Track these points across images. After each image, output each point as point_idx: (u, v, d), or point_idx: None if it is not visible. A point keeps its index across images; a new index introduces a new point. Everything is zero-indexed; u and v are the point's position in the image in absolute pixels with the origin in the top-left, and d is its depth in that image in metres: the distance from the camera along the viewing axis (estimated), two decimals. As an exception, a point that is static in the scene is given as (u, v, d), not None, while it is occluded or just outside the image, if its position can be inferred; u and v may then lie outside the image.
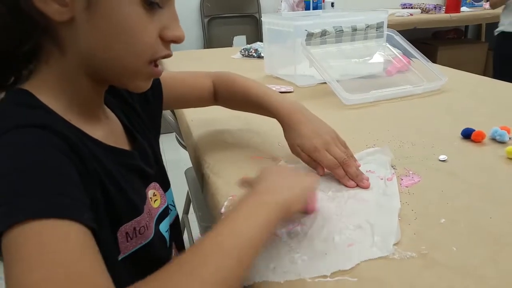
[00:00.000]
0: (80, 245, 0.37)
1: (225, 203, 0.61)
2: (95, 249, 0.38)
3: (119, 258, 0.54)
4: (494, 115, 0.95)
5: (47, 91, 0.50)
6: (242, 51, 1.80)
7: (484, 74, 3.35)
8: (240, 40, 3.36)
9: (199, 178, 0.79)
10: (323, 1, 2.56)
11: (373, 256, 0.49)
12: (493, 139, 0.81)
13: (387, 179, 0.66)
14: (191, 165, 0.91)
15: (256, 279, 0.46)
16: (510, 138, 0.80)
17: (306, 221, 0.56)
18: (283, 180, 0.53)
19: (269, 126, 0.81)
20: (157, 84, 0.74)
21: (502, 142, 0.80)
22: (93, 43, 0.49)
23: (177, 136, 1.59)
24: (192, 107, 0.91)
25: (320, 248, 0.50)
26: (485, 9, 3.17)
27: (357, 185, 0.64)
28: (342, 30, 1.25)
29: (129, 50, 0.50)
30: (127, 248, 0.55)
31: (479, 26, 3.68)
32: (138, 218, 0.56)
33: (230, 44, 3.28)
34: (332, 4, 2.58)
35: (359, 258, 0.49)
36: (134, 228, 0.55)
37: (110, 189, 0.51)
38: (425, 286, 0.45)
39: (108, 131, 0.58)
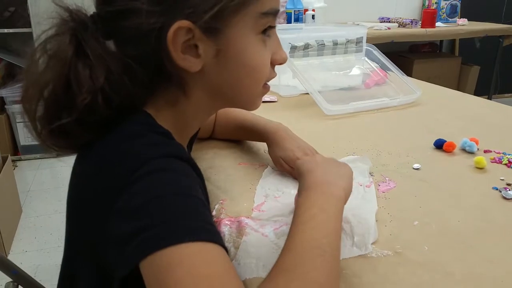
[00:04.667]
0: (226, 266, 0.39)
1: (216, 206, 0.65)
2: (233, 266, 0.41)
3: None
4: (464, 127, 1.02)
5: (161, 118, 0.52)
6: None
7: (458, 86, 3.49)
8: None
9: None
10: (304, 13, 2.63)
11: (353, 254, 0.54)
12: (463, 150, 0.88)
13: (366, 186, 0.71)
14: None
15: (247, 276, 0.51)
16: (478, 149, 0.87)
17: (290, 221, 0.60)
18: (333, 169, 0.56)
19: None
20: None
21: (471, 153, 0.86)
22: (220, 83, 0.52)
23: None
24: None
25: (305, 248, 0.55)
26: (458, 25, 3.30)
27: None
28: (324, 44, 1.31)
29: (253, 80, 0.54)
30: None
31: (453, 41, 3.82)
32: None
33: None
34: (313, 16, 2.65)
35: (341, 256, 0.53)
36: None
37: None
38: (399, 281, 0.50)
39: None
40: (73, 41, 0.47)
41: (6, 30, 2.66)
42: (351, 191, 0.55)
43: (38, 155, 2.82)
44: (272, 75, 0.57)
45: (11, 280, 0.84)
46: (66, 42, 0.47)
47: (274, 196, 0.69)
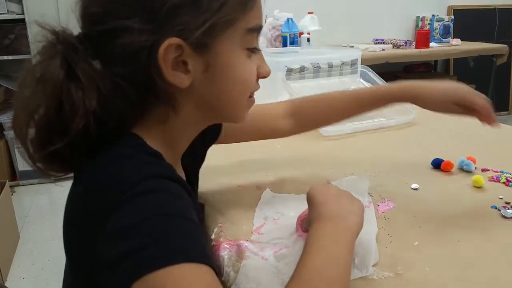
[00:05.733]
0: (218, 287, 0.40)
1: (215, 230, 0.65)
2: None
3: None
4: (461, 146, 1.03)
5: (151, 138, 0.52)
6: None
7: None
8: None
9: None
10: (300, 36, 2.67)
11: (354, 276, 0.54)
12: (461, 169, 0.88)
13: (365, 207, 0.71)
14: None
15: (248, 300, 0.50)
16: (475, 167, 0.87)
17: (290, 244, 0.60)
18: (345, 203, 0.56)
19: (253, 156, 0.86)
20: None
21: (468, 172, 0.86)
22: (209, 97, 0.53)
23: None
24: (261, 139, 0.85)
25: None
26: (452, 45, 3.35)
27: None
28: (319, 66, 1.33)
29: (241, 93, 0.55)
30: None
31: (447, 61, 3.87)
32: None
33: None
34: (308, 40, 2.69)
35: (342, 279, 0.53)
36: None
37: None
38: (401, 303, 0.49)
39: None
40: (64, 64, 0.47)
41: (5, 57, 2.69)
42: (362, 227, 0.55)
43: (36, 181, 2.81)
44: (256, 87, 0.58)
45: (8, 308, 0.83)
46: (57, 65, 0.47)
47: (273, 218, 0.69)
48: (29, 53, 2.67)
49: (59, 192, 2.71)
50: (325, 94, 0.83)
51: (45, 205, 2.60)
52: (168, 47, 0.47)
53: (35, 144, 0.49)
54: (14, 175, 2.80)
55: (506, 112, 4.07)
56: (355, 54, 1.39)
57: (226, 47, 0.51)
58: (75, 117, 0.46)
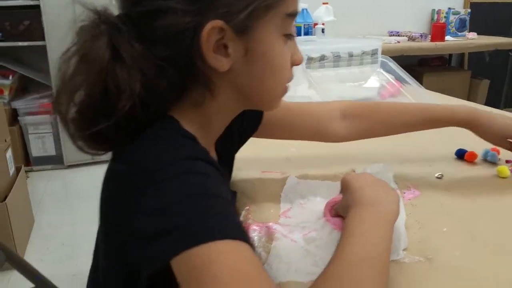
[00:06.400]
0: (257, 262, 0.41)
1: (243, 213, 0.66)
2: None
3: None
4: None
5: (187, 122, 0.52)
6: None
7: (468, 100, 3.46)
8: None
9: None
10: (314, 27, 2.65)
11: (385, 260, 0.54)
12: (485, 159, 0.87)
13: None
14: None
15: (281, 279, 0.51)
16: (500, 158, 0.86)
17: (318, 228, 0.61)
18: (382, 191, 0.57)
19: (276, 141, 0.86)
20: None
21: (492, 162, 0.86)
22: (246, 83, 0.52)
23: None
24: (309, 140, 0.83)
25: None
26: (468, 39, 3.31)
27: None
28: (340, 56, 1.32)
29: (278, 79, 0.54)
30: None
31: (462, 55, 3.83)
32: None
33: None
34: (323, 30, 2.67)
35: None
36: None
37: None
38: (431, 285, 0.50)
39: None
40: (110, 44, 0.47)
41: (20, 43, 2.70)
42: (398, 216, 0.55)
43: (49, 167, 2.83)
44: (291, 75, 0.57)
45: (33, 286, 0.85)
46: (102, 46, 0.46)
47: (299, 202, 0.69)
48: (43, 39, 2.67)
49: (72, 179, 2.74)
50: (385, 103, 0.84)
51: (58, 191, 2.62)
52: (211, 29, 0.47)
53: (77, 124, 0.49)
54: (28, 160, 2.83)
55: (521, 108, 4.02)
56: (376, 44, 1.38)
57: (266, 32, 0.50)
58: (121, 99, 0.46)
